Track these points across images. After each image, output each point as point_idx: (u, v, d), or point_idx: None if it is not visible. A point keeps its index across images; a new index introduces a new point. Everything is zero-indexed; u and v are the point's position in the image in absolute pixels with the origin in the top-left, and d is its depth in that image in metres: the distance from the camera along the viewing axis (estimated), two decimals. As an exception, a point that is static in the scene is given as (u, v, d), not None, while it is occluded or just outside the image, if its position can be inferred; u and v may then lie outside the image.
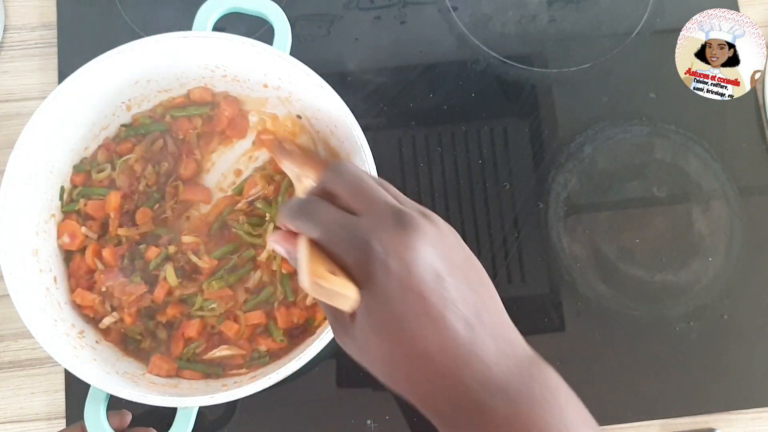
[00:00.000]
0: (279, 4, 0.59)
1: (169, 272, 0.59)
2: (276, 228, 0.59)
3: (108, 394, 0.52)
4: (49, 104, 0.55)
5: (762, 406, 0.65)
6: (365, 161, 0.54)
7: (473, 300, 0.33)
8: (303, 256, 0.34)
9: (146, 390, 0.53)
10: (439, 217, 0.35)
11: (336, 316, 0.35)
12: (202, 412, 0.54)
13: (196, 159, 0.63)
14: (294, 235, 0.36)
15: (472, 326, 0.33)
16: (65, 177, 0.61)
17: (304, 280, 0.33)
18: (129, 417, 0.55)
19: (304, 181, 0.49)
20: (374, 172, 0.54)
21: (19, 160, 0.54)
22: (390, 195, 0.35)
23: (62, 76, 0.56)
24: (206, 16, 0.58)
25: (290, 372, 0.52)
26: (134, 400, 0.51)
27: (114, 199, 0.60)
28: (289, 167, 0.52)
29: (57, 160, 0.59)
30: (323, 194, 0.36)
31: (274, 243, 0.38)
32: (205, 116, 0.63)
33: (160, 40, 0.56)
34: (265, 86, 0.60)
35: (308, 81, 0.56)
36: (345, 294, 0.33)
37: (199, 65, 0.59)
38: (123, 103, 0.62)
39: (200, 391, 0.55)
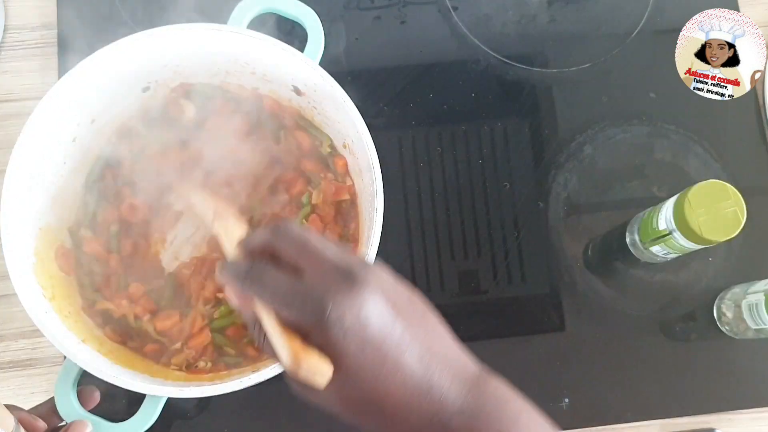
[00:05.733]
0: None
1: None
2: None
3: (80, 371, 0.53)
4: (62, 85, 0.55)
5: (762, 406, 0.65)
6: (375, 182, 0.54)
7: (422, 335, 0.35)
8: (275, 331, 0.34)
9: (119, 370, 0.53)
10: (372, 263, 0.36)
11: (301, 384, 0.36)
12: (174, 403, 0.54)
13: None
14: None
15: (426, 361, 0.34)
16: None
17: (286, 360, 0.33)
18: (98, 394, 0.55)
19: (224, 220, 0.46)
20: (381, 192, 0.54)
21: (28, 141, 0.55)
22: (333, 248, 0.36)
23: (62, 76, 0.56)
24: (243, 12, 0.59)
25: (265, 378, 0.51)
26: (105, 379, 0.51)
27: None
28: (203, 204, 0.50)
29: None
30: (262, 253, 0.37)
31: (231, 296, 0.37)
32: None
33: (192, 28, 0.57)
34: (292, 89, 0.60)
35: (331, 93, 0.56)
36: (322, 371, 0.33)
37: (230, 59, 0.60)
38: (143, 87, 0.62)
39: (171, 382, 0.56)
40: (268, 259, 0.36)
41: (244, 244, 0.39)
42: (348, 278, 0.33)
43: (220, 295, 0.61)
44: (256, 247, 0.38)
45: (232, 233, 0.43)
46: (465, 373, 0.36)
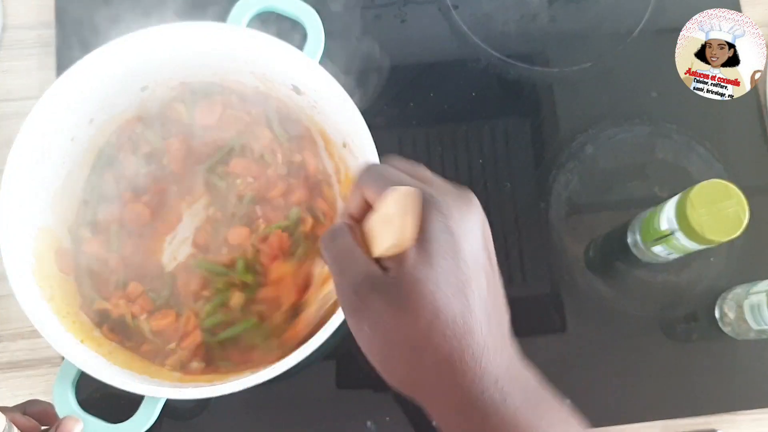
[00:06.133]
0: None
1: None
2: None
3: (78, 372, 0.52)
4: (60, 85, 0.55)
5: (764, 407, 0.65)
6: None
7: (493, 288, 0.35)
8: (397, 196, 0.34)
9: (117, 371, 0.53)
10: None
11: (366, 273, 0.34)
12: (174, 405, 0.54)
13: None
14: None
15: (487, 313, 0.34)
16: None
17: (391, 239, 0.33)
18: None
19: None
20: None
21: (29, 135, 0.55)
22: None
23: (60, 75, 0.56)
24: (242, 11, 0.59)
25: (264, 379, 0.51)
26: (104, 380, 0.51)
27: None
28: None
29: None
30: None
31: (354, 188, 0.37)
32: None
33: (191, 27, 0.57)
34: (292, 89, 0.60)
35: (331, 92, 0.56)
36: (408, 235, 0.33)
37: (229, 57, 0.60)
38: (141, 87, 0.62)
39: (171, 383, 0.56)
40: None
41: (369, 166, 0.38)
42: (462, 194, 0.35)
43: (206, 293, 0.61)
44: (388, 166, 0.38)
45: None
46: (511, 348, 0.36)
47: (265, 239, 0.61)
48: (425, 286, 0.32)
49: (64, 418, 0.50)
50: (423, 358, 0.33)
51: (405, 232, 0.33)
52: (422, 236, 0.33)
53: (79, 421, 0.50)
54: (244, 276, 0.60)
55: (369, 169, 0.36)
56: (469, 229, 0.33)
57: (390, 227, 0.33)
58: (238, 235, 0.62)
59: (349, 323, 0.35)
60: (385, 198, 0.34)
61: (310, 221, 0.62)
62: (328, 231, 0.37)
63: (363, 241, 0.36)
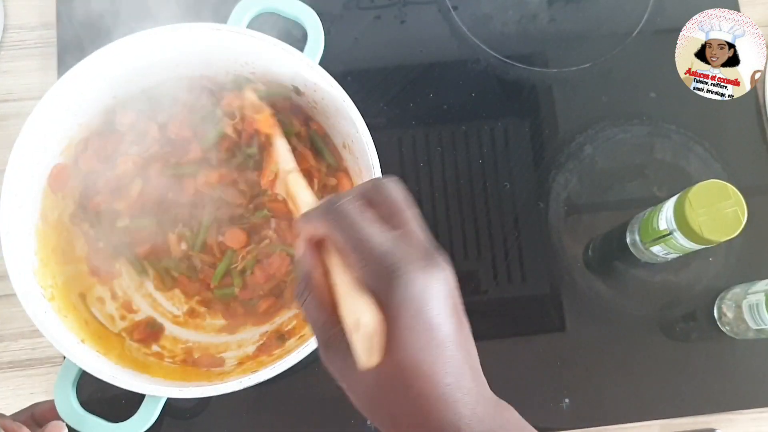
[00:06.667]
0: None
1: None
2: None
3: (79, 371, 0.53)
4: (61, 85, 0.55)
5: (762, 407, 0.65)
6: None
7: (464, 345, 0.34)
8: (345, 282, 0.34)
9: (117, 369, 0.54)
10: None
11: (336, 336, 0.35)
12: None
13: None
14: (317, 247, 0.36)
15: (461, 372, 0.34)
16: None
17: (351, 317, 0.33)
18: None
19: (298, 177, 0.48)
20: None
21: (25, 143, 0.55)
22: (423, 225, 0.36)
23: (62, 75, 0.56)
24: (242, 12, 0.59)
25: (265, 378, 0.51)
26: (105, 379, 0.51)
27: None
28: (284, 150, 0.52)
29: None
30: (361, 199, 0.36)
31: (300, 244, 0.37)
32: None
33: (192, 28, 0.57)
34: (292, 89, 0.60)
35: (331, 93, 0.56)
36: (374, 344, 0.33)
37: (230, 58, 0.60)
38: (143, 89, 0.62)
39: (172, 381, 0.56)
40: (358, 205, 0.35)
41: (334, 196, 0.37)
42: (428, 256, 0.33)
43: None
44: (353, 192, 0.36)
45: (303, 191, 0.45)
46: (488, 398, 0.35)
47: (268, 256, 0.62)
48: (391, 344, 0.33)
49: (49, 424, 0.50)
50: (397, 420, 0.34)
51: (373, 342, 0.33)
52: (388, 313, 0.33)
53: (63, 427, 0.50)
54: (219, 279, 0.61)
55: (336, 217, 0.35)
56: (433, 295, 0.33)
57: (356, 333, 0.33)
58: (234, 237, 0.62)
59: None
60: (346, 306, 0.34)
61: None
62: (299, 283, 0.37)
63: (329, 292, 0.35)
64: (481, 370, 0.36)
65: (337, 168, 0.62)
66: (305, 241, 0.37)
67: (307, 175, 0.61)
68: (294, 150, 0.60)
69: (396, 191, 0.36)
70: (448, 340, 0.33)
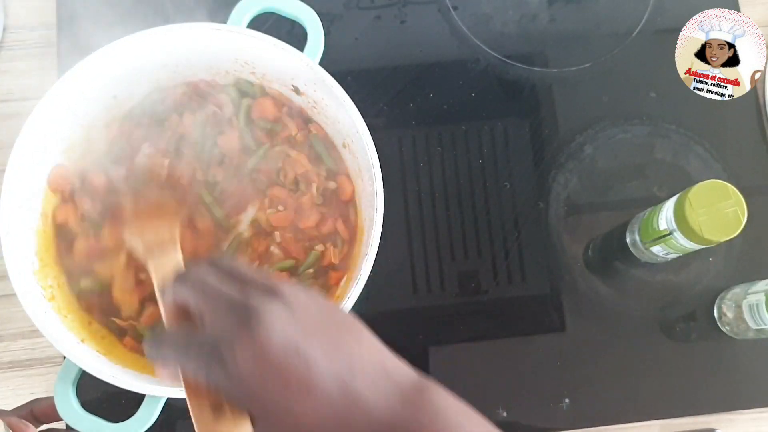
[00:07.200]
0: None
1: None
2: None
3: (79, 371, 0.53)
4: (61, 85, 0.55)
5: (762, 406, 0.65)
6: (375, 182, 0.54)
7: (341, 354, 0.33)
8: (188, 401, 0.35)
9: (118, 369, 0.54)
10: (285, 283, 0.35)
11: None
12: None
13: None
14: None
15: (344, 379, 0.32)
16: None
17: None
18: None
19: (154, 257, 0.46)
20: (381, 192, 0.54)
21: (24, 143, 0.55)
22: (235, 283, 0.35)
23: (62, 75, 0.56)
24: (242, 12, 0.59)
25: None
26: (104, 379, 0.51)
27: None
28: (131, 239, 0.50)
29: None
30: (180, 312, 0.37)
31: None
32: None
33: (192, 28, 0.56)
34: (292, 89, 0.60)
35: (331, 93, 0.56)
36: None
37: (230, 58, 0.60)
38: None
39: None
40: (174, 324, 0.37)
41: (164, 301, 0.39)
42: (242, 319, 0.33)
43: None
44: (171, 306, 0.38)
45: (165, 270, 0.44)
46: (396, 385, 0.33)
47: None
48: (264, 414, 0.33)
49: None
50: None
51: None
52: (242, 400, 0.33)
53: None
54: None
55: (157, 346, 0.36)
56: (268, 353, 0.32)
57: None
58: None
59: None
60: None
61: (327, 254, 0.60)
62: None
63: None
64: (386, 357, 0.34)
65: (337, 171, 0.61)
66: (171, 313, 0.38)
67: (305, 179, 0.60)
68: (287, 157, 0.60)
69: (193, 274, 0.36)
70: (313, 366, 0.32)
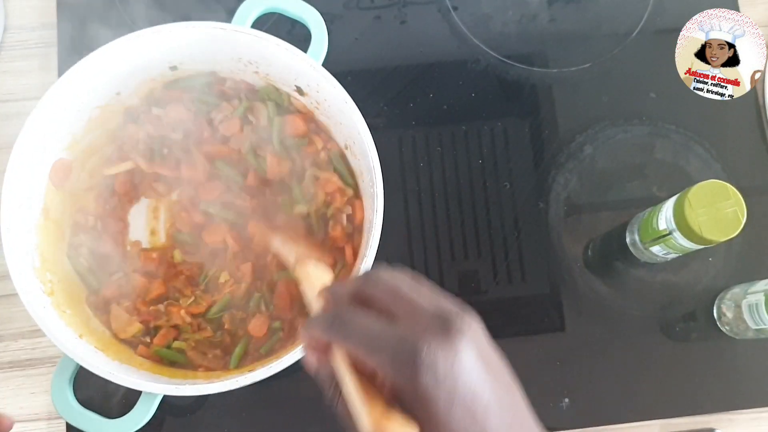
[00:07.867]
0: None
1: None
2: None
3: (77, 367, 0.53)
4: (61, 85, 0.55)
5: (762, 406, 0.65)
6: (375, 183, 0.54)
7: (508, 401, 0.33)
8: (355, 389, 0.33)
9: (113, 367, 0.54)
10: (469, 307, 0.35)
11: None
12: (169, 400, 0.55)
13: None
14: (325, 347, 0.36)
15: (511, 427, 0.33)
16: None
17: (367, 425, 0.32)
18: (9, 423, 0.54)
19: (306, 266, 0.45)
20: (381, 194, 0.54)
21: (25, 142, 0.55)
22: (427, 294, 0.35)
23: (62, 75, 0.56)
24: (247, 11, 0.59)
25: (261, 378, 0.51)
26: (102, 375, 0.51)
27: None
28: (284, 247, 0.50)
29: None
30: (355, 300, 0.36)
31: (309, 356, 0.36)
32: None
33: (195, 27, 0.57)
34: (295, 89, 0.60)
35: (334, 94, 0.56)
36: None
37: (233, 59, 0.60)
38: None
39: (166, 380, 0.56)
40: (356, 306, 0.35)
41: (330, 291, 0.37)
42: (444, 326, 0.32)
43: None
44: (344, 294, 0.36)
45: (314, 280, 0.42)
46: None
47: (272, 286, 0.61)
48: None
49: None
50: None
51: None
52: (419, 404, 0.31)
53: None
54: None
55: (339, 328, 0.34)
56: (464, 366, 0.31)
57: None
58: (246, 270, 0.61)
59: None
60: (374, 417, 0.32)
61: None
62: (326, 389, 0.37)
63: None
64: (527, 411, 0.34)
65: (355, 196, 0.61)
66: (310, 348, 0.36)
67: (333, 202, 0.61)
68: (316, 179, 0.61)
69: (386, 277, 0.35)
70: (490, 406, 0.32)
